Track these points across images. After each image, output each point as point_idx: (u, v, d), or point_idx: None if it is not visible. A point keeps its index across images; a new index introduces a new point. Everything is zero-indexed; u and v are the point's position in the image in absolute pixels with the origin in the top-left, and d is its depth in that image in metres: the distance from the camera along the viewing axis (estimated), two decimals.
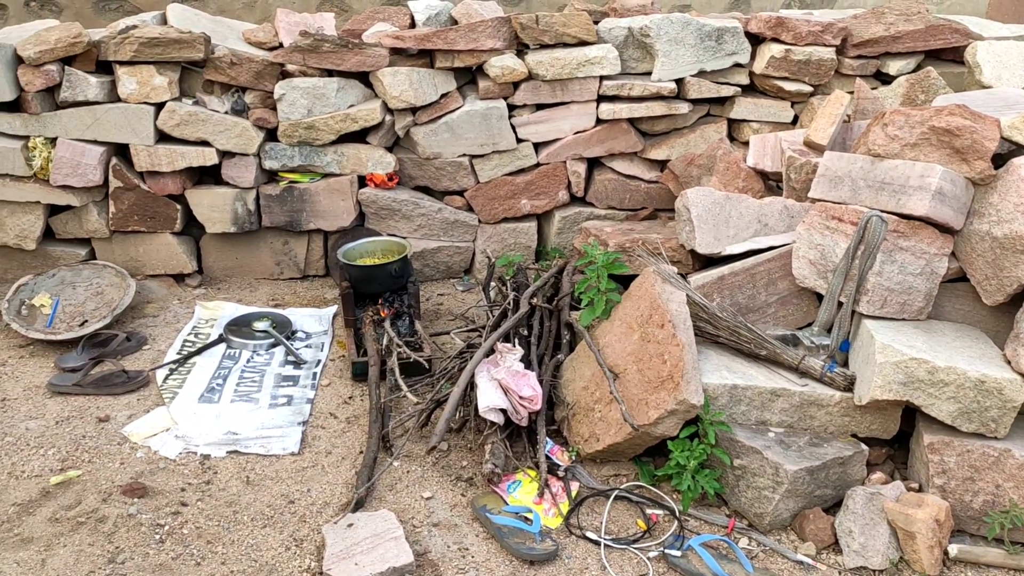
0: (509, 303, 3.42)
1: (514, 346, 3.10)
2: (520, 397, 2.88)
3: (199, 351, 3.51)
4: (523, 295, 3.37)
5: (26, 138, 3.75)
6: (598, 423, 2.85)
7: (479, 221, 4.18)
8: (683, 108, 4.06)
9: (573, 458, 2.88)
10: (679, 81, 4.03)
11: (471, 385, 2.98)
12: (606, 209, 4.22)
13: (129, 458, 2.85)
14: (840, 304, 2.92)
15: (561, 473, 2.82)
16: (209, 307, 3.87)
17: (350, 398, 3.28)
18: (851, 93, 3.72)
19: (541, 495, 2.71)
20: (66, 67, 3.68)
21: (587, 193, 4.22)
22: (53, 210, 3.91)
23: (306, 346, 3.62)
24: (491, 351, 3.06)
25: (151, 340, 3.61)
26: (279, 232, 4.09)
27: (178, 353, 3.51)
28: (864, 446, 2.74)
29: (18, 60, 3.63)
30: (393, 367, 3.21)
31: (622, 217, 4.21)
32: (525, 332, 3.28)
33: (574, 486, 2.78)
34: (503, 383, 2.90)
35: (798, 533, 2.64)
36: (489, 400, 2.86)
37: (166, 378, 3.34)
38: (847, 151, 3.40)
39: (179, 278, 4.10)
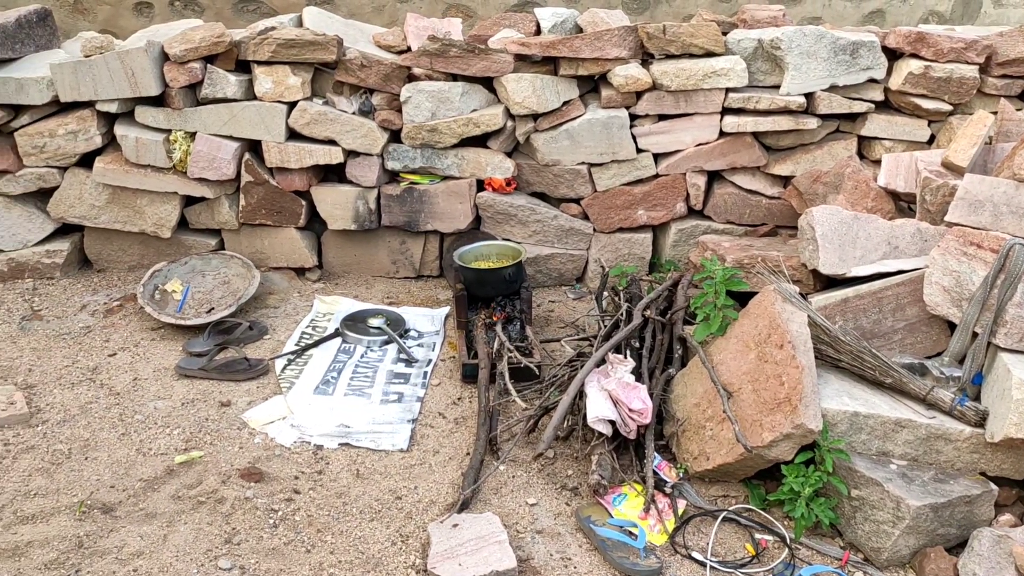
0: (622, 314, 3.40)
1: (625, 358, 3.07)
2: (630, 409, 2.86)
3: (316, 344, 3.63)
4: (636, 307, 3.35)
5: (168, 131, 3.96)
6: (709, 441, 2.80)
7: (594, 230, 4.17)
8: (811, 123, 3.94)
9: (681, 475, 2.83)
10: (808, 95, 3.92)
11: (580, 394, 2.98)
12: (724, 223, 4.14)
13: (247, 443, 2.97)
14: (975, 335, 2.78)
15: (668, 490, 2.78)
16: (327, 301, 3.99)
17: (459, 399, 3.32)
18: (994, 114, 3.54)
19: (647, 510, 2.68)
20: (208, 65, 3.87)
21: (705, 206, 4.15)
22: (188, 201, 4.12)
23: (418, 345, 3.69)
24: (602, 361, 3.05)
25: (272, 330, 3.75)
26: (397, 232, 4.19)
27: (296, 344, 3.63)
28: (993, 486, 2.60)
29: (164, 57, 3.84)
30: (503, 371, 3.24)
31: (740, 232, 4.12)
32: (636, 344, 3.25)
33: (681, 504, 2.74)
34: (613, 394, 2.89)
35: (917, 572, 2.52)
36: (598, 411, 2.85)
37: (284, 368, 3.46)
38: (988, 174, 3.24)
39: (300, 271, 4.24)
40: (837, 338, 2.84)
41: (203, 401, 3.21)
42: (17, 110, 3.93)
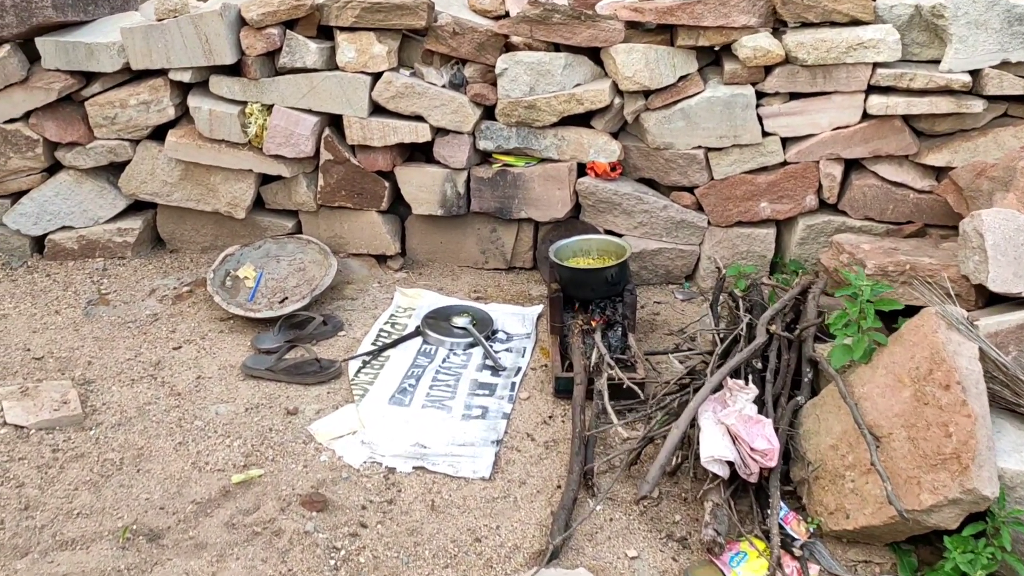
0: (742, 329, 2.96)
1: (747, 383, 2.64)
2: (751, 449, 2.43)
3: (394, 344, 3.31)
4: (760, 320, 2.90)
5: (243, 104, 3.67)
6: (849, 495, 2.35)
7: (708, 223, 3.71)
8: (977, 106, 3.36)
9: (812, 531, 2.40)
10: (974, 73, 3.34)
11: (692, 423, 2.57)
12: (861, 220, 3.62)
13: (312, 461, 2.67)
14: None
15: (796, 550, 2.35)
16: (409, 295, 3.67)
17: (550, 417, 2.95)
18: None
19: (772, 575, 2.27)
20: (287, 31, 3.55)
21: (840, 200, 3.63)
22: (264, 180, 3.84)
23: (506, 349, 3.33)
24: (718, 387, 2.63)
25: (347, 325, 3.45)
26: (487, 219, 3.82)
27: (373, 344, 3.32)
28: None
29: (241, 22, 3.54)
30: (602, 390, 2.85)
31: (881, 231, 3.59)
32: (759, 365, 2.81)
33: (813, 569, 2.31)
34: (732, 430, 2.47)
35: None
36: (714, 449, 2.44)
37: (358, 371, 3.15)
38: None
39: (381, 259, 3.93)
40: (1016, 378, 2.35)
41: (268, 407, 2.93)
42: (88, 78, 3.70)
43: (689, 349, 3.18)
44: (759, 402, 2.63)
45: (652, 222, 3.70)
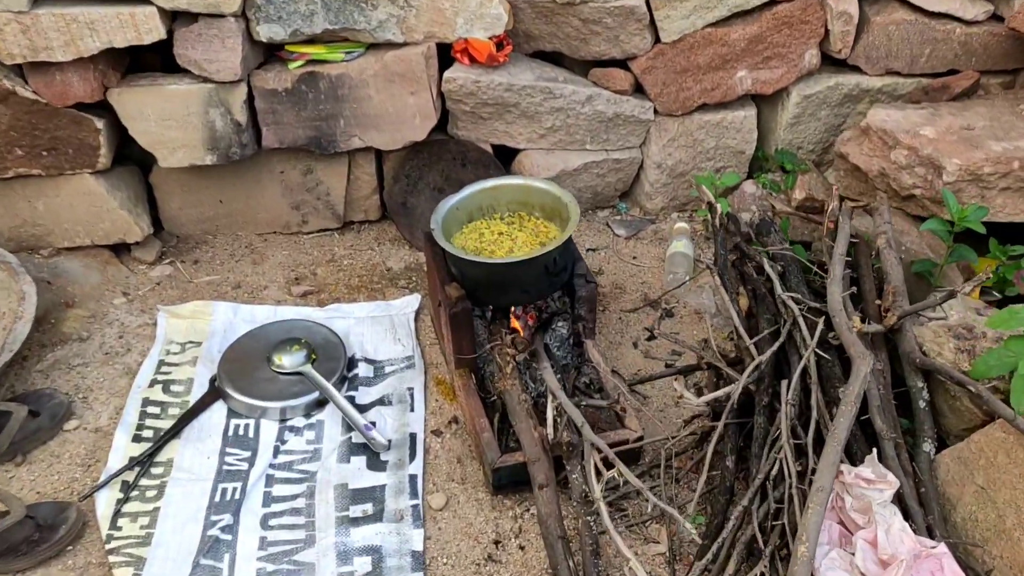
0: (786, 318, 1.75)
1: (876, 462, 1.46)
2: None
3: (175, 431, 1.86)
4: (833, 300, 1.68)
5: None
6: None
7: (655, 112, 2.39)
8: None
9: None
10: None
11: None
12: (882, 76, 2.41)
13: None
14: None
15: None
16: (183, 315, 2.15)
17: (496, 545, 1.68)
18: None
19: None
20: None
21: (853, 51, 2.40)
22: None
23: (380, 400, 1.96)
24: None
25: (79, 404, 1.94)
26: (295, 155, 2.32)
27: (134, 438, 1.86)
28: None
29: None
30: (588, 475, 1.58)
31: (910, 87, 2.42)
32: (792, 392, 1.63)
33: None
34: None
35: None
36: None
37: (117, 515, 1.71)
38: None
39: (121, 249, 2.35)
40: None
41: None
42: None
43: (701, 366, 1.93)
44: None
45: (570, 125, 2.33)
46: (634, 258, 2.39)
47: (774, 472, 1.55)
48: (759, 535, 1.44)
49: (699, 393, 1.96)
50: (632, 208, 2.57)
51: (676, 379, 1.87)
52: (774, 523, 1.48)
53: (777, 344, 1.71)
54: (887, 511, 1.41)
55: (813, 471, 1.53)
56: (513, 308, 1.92)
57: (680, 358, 2.07)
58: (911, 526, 1.43)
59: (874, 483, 1.42)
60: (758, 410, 1.68)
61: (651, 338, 2.13)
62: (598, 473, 1.58)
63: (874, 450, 1.49)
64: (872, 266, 1.94)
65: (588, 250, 2.41)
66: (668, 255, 2.28)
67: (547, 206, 1.95)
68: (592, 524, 1.59)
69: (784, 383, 1.61)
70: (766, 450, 1.59)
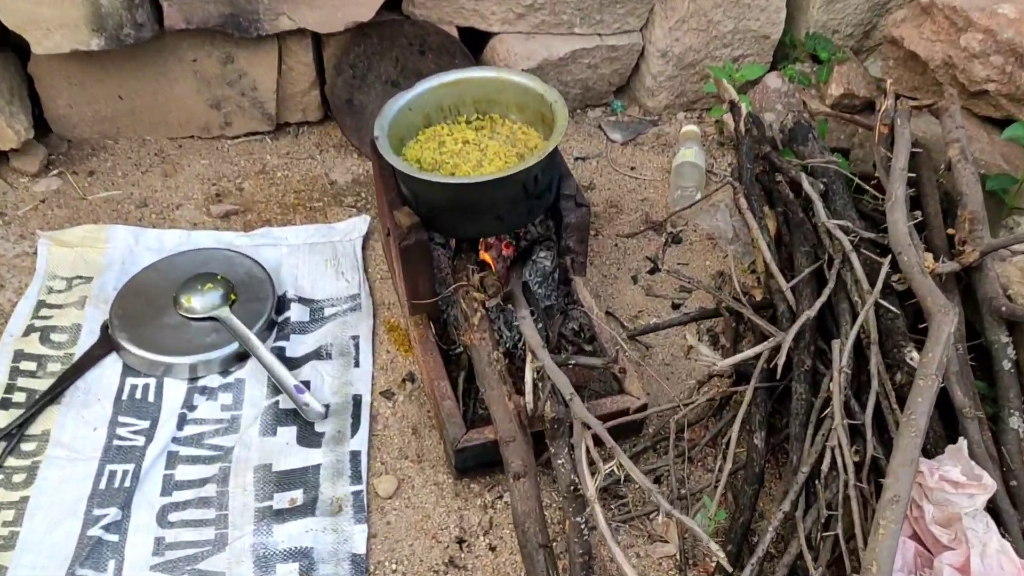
0: (831, 254, 1.37)
1: (968, 464, 1.10)
2: None
3: (53, 391, 1.48)
4: (900, 237, 1.30)
5: None
6: None
7: None
8: None
9: None
10: None
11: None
12: None
13: None
14: None
15: None
16: (69, 244, 1.73)
17: (460, 545, 1.33)
18: None
19: None
20: None
21: None
22: None
23: (316, 352, 1.58)
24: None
25: None
26: (211, 41, 1.85)
27: (1, 403, 1.47)
28: None
29: None
30: (579, 463, 1.22)
31: None
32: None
33: None
34: None
35: None
36: None
37: None
38: None
39: None
40: None
41: None
42: None
43: (720, 311, 1.55)
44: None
45: (555, 1, 1.88)
46: (632, 169, 1.98)
47: (817, 462, 1.20)
48: (807, 552, 1.09)
49: (714, 341, 1.59)
50: (630, 107, 2.14)
51: (688, 330, 1.50)
52: (824, 534, 1.14)
53: (826, 293, 1.33)
54: (979, 524, 1.06)
55: (874, 461, 1.18)
56: (483, 239, 1.53)
57: (691, 296, 1.69)
58: (1009, 540, 1.09)
59: (963, 486, 1.07)
60: (797, 375, 1.32)
61: (654, 270, 1.74)
62: (591, 462, 1.22)
63: (962, 441, 1.14)
64: (937, 184, 1.55)
65: (576, 159, 2.00)
66: (674, 166, 1.87)
67: (526, 106, 1.53)
68: (583, 527, 1.24)
69: (836, 345, 1.24)
70: (810, 431, 1.23)
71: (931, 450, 1.17)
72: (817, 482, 1.16)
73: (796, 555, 1.11)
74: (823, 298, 1.29)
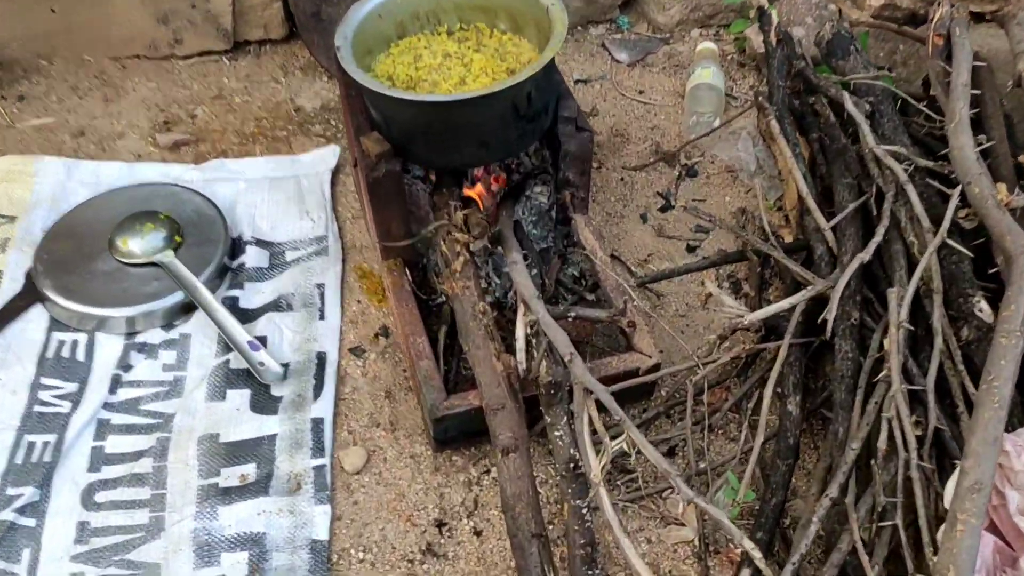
0: (881, 187, 1.16)
1: None
2: None
3: None
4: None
5: None
6: None
7: None
8: None
9: None
10: None
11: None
12: None
13: None
14: None
15: None
16: None
17: (439, 530, 1.13)
18: None
19: None
20: None
21: None
22: None
23: (276, 304, 1.36)
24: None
25: None
26: None
27: None
28: None
29: None
30: (580, 441, 1.02)
31: None
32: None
33: None
34: None
35: None
36: None
37: None
38: None
39: None
40: None
41: None
42: None
43: (747, 254, 1.33)
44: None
45: None
46: (640, 93, 1.75)
47: (869, 437, 1.00)
48: (862, 549, 0.90)
49: (736, 289, 1.39)
50: (638, 23, 1.90)
51: (707, 276, 1.29)
52: (880, 524, 0.94)
53: (881, 232, 1.11)
54: None
55: (937, 434, 0.98)
56: (467, 171, 1.31)
57: (708, 237, 1.48)
58: None
59: None
60: (841, 330, 1.11)
61: (666, 208, 1.53)
62: (594, 432, 1.02)
63: None
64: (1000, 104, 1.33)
65: (577, 82, 1.76)
66: (689, 89, 1.64)
67: (518, 13, 1.29)
68: (585, 512, 1.04)
69: (892, 295, 1.03)
70: (858, 398, 1.03)
71: (1015, 423, 0.97)
72: (873, 462, 0.96)
73: (847, 551, 0.91)
74: (878, 238, 1.08)
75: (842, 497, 0.94)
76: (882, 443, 0.95)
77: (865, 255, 1.05)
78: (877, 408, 0.99)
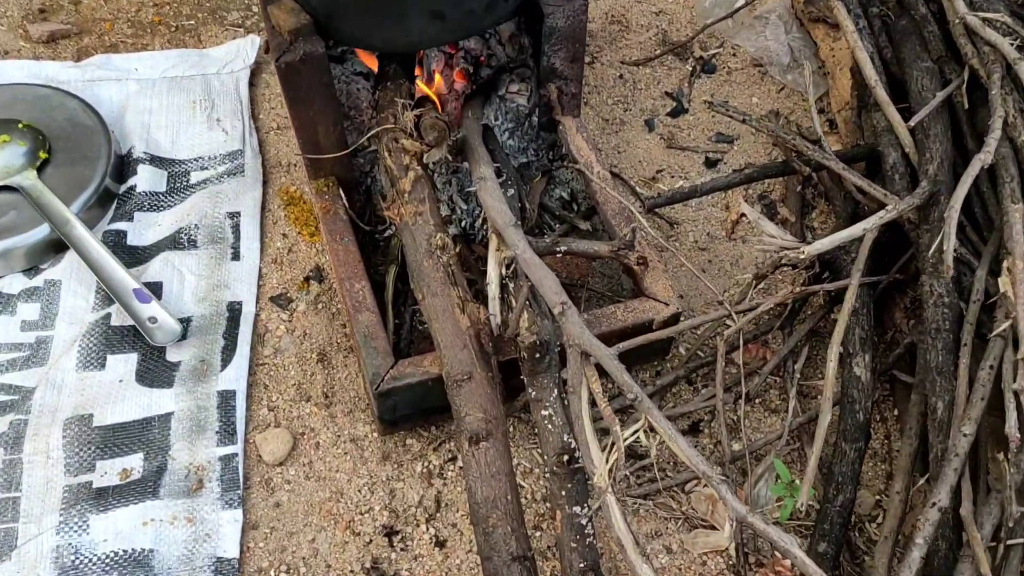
0: (979, 71, 0.87)
1: None
2: None
3: None
4: None
5: None
6: None
7: None
8: None
9: None
10: None
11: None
12: None
13: None
14: None
15: None
16: None
17: (389, 540, 0.86)
18: None
19: None
20: None
21: None
22: None
23: (175, 240, 1.07)
24: None
25: None
26: None
27: None
28: None
29: None
30: (578, 427, 0.75)
31: None
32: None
33: None
34: None
35: None
36: None
37: None
38: None
39: None
40: None
41: None
42: None
43: (794, 167, 1.04)
44: None
45: None
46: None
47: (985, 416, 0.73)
48: (985, 564, 0.63)
49: (770, 214, 1.10)
50: None
51: (733, 198, 1.00)
52: (1009, 543, 0.68)
53: (997, 128, 0.82)
54: None
55: None
56: (420, 54, 1.00)
57: (732, 148, 1.19)
58: None
59: None
60: (925, 264, 0.83)
61: (678, 112, 1.23)
62: (593, 403, 0.74)
63: None
64: None
65: None
66: None
67: None
68: (584, 522, 0.77)
69: (1017, 213, 0.75)
70: (964, 360, 0.76)
71: None
72: (991, 455, 0.69)
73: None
74: (996, 132, 0.78)
75: (955, 504, 0.67)
76: (1011, 427, 0.68)
77: (985, 155, 0.76)
78: (994, 375, 0.72)
